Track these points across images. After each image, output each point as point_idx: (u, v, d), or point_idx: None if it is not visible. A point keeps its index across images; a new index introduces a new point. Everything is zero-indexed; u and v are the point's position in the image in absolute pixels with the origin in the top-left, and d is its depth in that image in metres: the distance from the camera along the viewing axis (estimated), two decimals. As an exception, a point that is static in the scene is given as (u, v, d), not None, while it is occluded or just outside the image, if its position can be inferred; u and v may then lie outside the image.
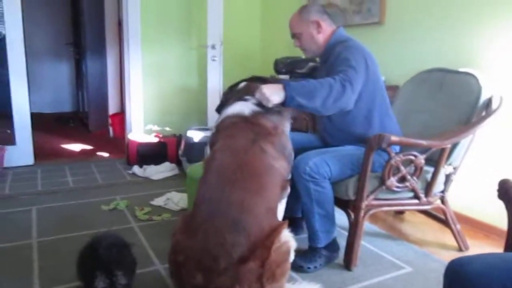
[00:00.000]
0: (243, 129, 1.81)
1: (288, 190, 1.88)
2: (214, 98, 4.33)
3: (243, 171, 1.66)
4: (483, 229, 2.61)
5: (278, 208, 1.79)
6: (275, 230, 1.60)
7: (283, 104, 1.90)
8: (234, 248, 1.51)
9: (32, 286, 1.92)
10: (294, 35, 2.33)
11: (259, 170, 1.71)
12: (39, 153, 4.21)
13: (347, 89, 1.95)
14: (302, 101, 1.89)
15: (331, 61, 2.18)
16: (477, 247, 2.41)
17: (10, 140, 3.98)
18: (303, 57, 3.88)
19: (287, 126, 1.97)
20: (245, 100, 1.95)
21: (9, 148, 3.74)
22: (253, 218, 1.57)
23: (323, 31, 2.27)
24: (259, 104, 1.90)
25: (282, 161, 1.81)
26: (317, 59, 2.60)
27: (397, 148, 2.21)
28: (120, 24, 5.27)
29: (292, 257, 1.67)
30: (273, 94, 1.87)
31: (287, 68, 3.93)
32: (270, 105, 1.87)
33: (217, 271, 1.50)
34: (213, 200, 1.62)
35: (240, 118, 1.86)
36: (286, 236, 1.62)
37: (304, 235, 2.27)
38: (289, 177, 1.93)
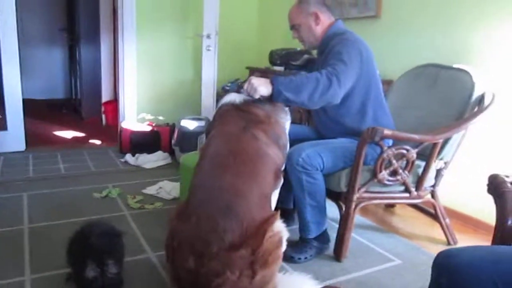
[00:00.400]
0: (234, 117, 1.84)
1: (282, 180, 1.89)
2: (208, 87, 4.33)
3: (235, 157, 1.68)
4: (471, 223, 2.65)
5: (272, 198, 1.80)
6: (268, 220, 1.61)
7: (270, 98, 1.91)
8: (226, 233, 1.53)
9: (23, 271, 1.93)
10: (293, 26, 2.33)
11: (251, 156, 1.72)
12: (31, 139, 4.18)
13: (333, 84, 1.96)
14: (289, 96, 1.91)
15: (325, 53, 2.18)
16: (466, 241, 2.44)
17: (1, 125, 3.95)
18: (299, 49, 3.88)
19: (282, 117, 1.96)
20: (239, 92, 1.98)
21: (0, 134, 3.71)
22: (245, 203, 1.59)
23: (321, 23, 2.27)
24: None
25: (276, 149, 1.81)
26: (314, 51, 2.60)
27: (390, 141, 2.22)
28: (115, 11, 5.22)
29: (284, 246, 1.68)
30: (261, 85, 1.89)
31: (282, 60, 3.93)
32: (257, 96, 1.88)
33: (208, 255, 1.51)
34: (206, 186, 1.64)
35: (232, 106, 1.89)
36: (279, 226, 1.63)
37: (295, 226, 2.29)
38: (283, 167, 1.93)
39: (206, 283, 1.51)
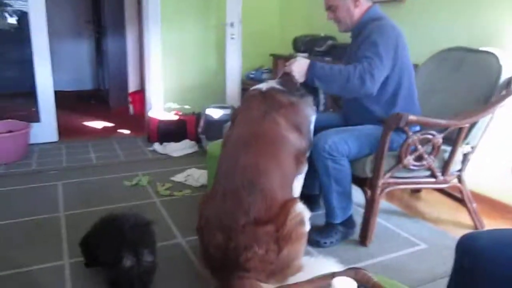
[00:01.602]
0: (257, 102, 1.89)
1: (305, 166, 1.93)
2: (233, 76, 4.37)
3: (257, 138, 1.76)
4: (498, 208, 2.63)
5: (294, 183, 1.84)
6: (289, 201, 1.68)
7: (305, 82, 2.01)
8: (251, 207, 1.60)
9: (62, 256, 2.04)
10: (330, 7, 2.28)
11: (272, 139, 1.78)
12: (62, 130, 4.33)
13: (366, 81, 2.01)
14: (321, 85, 2.04)
15: (361, 39, 2.16)
16: (493, 226, 2.43)
17: (35, 117, 4.10)
18: (322, 34, 3.87)
19: (305, 108, 1.97)
20: (277, 80, 2.05)
21: (34, 125, 3.85)
22: (267, 181, 1.66)
23: (360, 6, 2.23)
24: (281, 83, 1.97)
25: (296, 134, 1.86)
26: (339, 36, 2.59)
27: (417, 127, 2.22)
28: (139, 3, 5.30)
29: (308, 225, 1.73)
30: (300, 72, 2.03)
31: (306, 46, 3.93)
32: (294, 80, 2.00)
33: (236, 229, 1.58)
34: (230, 165, 1.72)
35: (257, 92, 1.94)
36: (300, 207, 1.70)
37: (321, 212, 2.32)
38: (307, 153, 1.97)
39: (235, 258, 1.57)
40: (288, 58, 4.07)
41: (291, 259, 1.63)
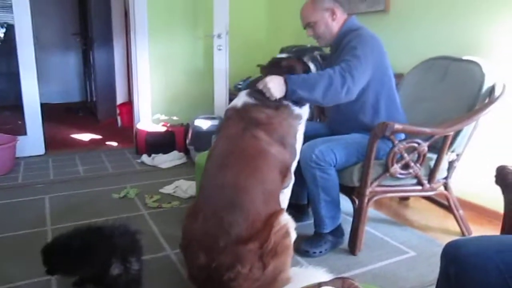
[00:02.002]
0: (235, 120, 1.85)
1: (291, 179, 1.91)
2: (220, 87, 4.38)
3: (235, 155, 1.73)
4: (486, 214, 2.66)
5: (280, 196, 1.83)
6: (273, 215, 1.67)
7: (285, 97, 1.90)
8: (231, 227, 1.59)
9: (49, 271, 2.01)
10: (308, 24, 2.30)
11: (251, 155, 1.74)
12: (49, 142, 4.29)
13: (347, 80, 1.97)
14: (303, 94, 1.91)
15: (340, 49, 2.19)
16: (480, 232, 2.46)
17: (21, 130, 4.06)
18: (309, 45, 3.90)
19: (287, 119, 1.90)
20: (248, 89, 1.96)
21: (20, 138, 3.82)
22: (248, 198, 1.64)
23: (337, 19, 2.26)
24: (255, 96, 1.88)
25: (279, 148, 1.80)
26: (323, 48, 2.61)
27: (402, 135, 2.24)
28: (126, 14, 5.30)
29: (293, 235, 1.72)
30: (275, 87, 1.87)
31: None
32: (272, 98, 1.87)
33: (217, 249, 1.58)
34: (210, 185, 1.71)
35: (234, 111, 1.88)
36: (285, 219, 1.69)
37: (310, 221, 2.33)
38: (292, 166, 1.91)
39: (218, 278, 1.56)
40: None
41: (277, 273, 1.62)
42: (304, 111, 1.98)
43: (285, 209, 1.93)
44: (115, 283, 1.63)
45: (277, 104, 1.88)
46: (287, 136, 1.86)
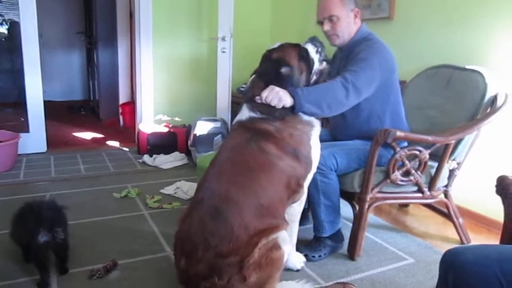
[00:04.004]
0: (240, 131, 1.81)
1: (302, 193, 1.87)
2: (223, 89, 4.39)
3: (233, 165, 1.72)
4: (485, 223, 2.66)
5: (289, 210, 1.84)
6: (265, 231, 1.63)
7: (291, 110, 1.81)
8: (213, 236, 1.57)
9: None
10: (330, 17, 2.17)
11: (251, 167, 1.70)
12: (51, 140, 4.31)
13: (349, 92, 1.93)
14: (311, 108, 1.83)
15: (352, 57, 2.13)
16: (479, 241, 2.46)
17: (23, 127, 4.08)
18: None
19: (298, 130, 1.83)
20: (250, 103, 1.84)
21: (23, 136, 3.83)
22: (236, 210, 1.61)
23: (357, 23, 2.23)
24: (260, 110, 1.80)
25: (290, 161, 1.75)
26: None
27: (405, 143, 2.25)
28: (131, 15, 5.33)
29: (285, 248, 1.68)
30: (285, 95, 1.77)
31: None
32: (280, 106, 1.77)
33: (195, 257, 1.58)
34: (202, 189, 1.71)
35: (239, 123, 1.85)
36: (276, 235, 1.65)
37: (310, 225, 2.34)
38: (307, 179, 1.86)
39: (195, 285, 1.58)
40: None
41: (261, 284, 1.60)
42: (314, 118, 1.91)
43: (295, 225, 1.95)
44: (44, 249, 1.83)
45: (284, 115, 1.79)
46: (300, 147, 1.80)
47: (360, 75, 1.99)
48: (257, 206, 1.65)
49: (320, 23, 2.25)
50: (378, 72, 2.06)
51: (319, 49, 1.96)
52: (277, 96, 1.77)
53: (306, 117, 1.87)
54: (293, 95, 1.80)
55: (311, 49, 1.95)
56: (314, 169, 1.89)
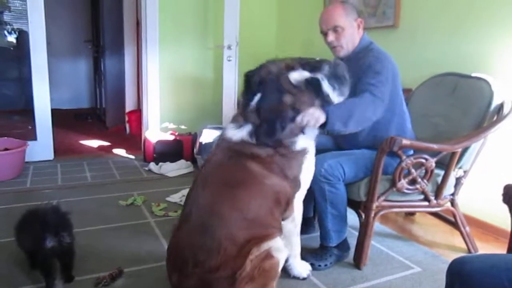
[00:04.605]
0: (223, 149, 1.80)
1: (293, 210, 1.87)
2: (229, 97, 4.41)
3: (215, 179, 1.73)
4: (492, 231, 2.64)
5: (286, 227, 1.85)
6: (255, 240, 1.63)
7: (321, 127, 1.83)
8: (201, 251, 1.58)
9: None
10: (334, 28, 2.19)
11: (233, 183, 1.70)
12: (58, 148, 4.34)
13: (377, 109, 2.01)
14: (339, 126, 1.86)
15: (357, 68, 2.12)
16: (486, 249, 2.44)
17: (31, 135, 4.11)
18: (318, 58, 3.92)
19: (288, 156, 1.79)
20: (252, 127, 1.77)
21: (30, 143, 3.86)
22: (223, 223, 1.62)
23: (359, 33, 2.25)
24: (256, 135, 1.75)
25: (278, 179, 1.75)
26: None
27: (411, 151, 2.24)
28: (138, 24, 5.37)
29: (279, 256, 1.67)
30: (320, 114, 1.78)
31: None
32: (316, 126, 1.80)
33: (186, 273, 1.58)
34: (189, 203, 1.72)
35: (225, 141, 1.82)
36: (268, 244, 1.64)
37: (316, 234, 2.33)
38: (296, 198, 1.86)
39: None
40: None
41: None
42: (308, 144, 1.86)
43: (294, 238, 1.95)
44: (51, 254, 1.85)
45: (276, 144, 1.75)
46: (288, 169, 1.78)
47: (383, 90, 2.04)
48: (242, 220, 1.66)
49: (324, 34, 2.26)
50: (390, 84, 2.11)
51: (336, 87, 1.87)
52: (314, 118, 1.76)
53: (300, 146, 1.82)
54: (327, 114, 1.80)
55: (330, 92, 1.85)
56: (304, 191, 1.90)
